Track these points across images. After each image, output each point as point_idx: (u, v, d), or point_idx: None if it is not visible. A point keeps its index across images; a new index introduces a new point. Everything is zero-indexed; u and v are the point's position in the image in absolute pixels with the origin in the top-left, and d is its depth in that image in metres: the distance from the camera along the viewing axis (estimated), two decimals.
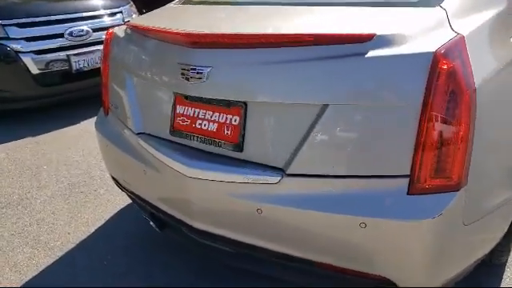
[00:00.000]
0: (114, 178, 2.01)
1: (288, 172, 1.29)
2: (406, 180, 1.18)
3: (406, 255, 1.20)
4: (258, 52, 1.30)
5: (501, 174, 1.40)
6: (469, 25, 1.28)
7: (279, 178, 1.30)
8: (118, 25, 4.43)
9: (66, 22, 4.06)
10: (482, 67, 1.22)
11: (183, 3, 2.06)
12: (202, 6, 1.89)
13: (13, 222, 2.50)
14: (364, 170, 1.22)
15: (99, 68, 4.21)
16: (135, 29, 1.69)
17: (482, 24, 1.33)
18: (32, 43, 3.87)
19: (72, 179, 2.99)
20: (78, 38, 4.09)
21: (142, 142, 1.65)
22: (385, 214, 1.19)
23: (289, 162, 1.29)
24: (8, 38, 3.80)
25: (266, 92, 1.31)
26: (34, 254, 2.21)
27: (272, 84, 1.29)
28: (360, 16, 1.38)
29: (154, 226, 1.85)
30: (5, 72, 3.85)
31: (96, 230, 2.40)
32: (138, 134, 1.68)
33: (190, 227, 1.56)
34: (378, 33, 1.19)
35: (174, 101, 1.55)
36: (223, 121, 1.42)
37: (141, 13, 4.95)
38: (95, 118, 4.05)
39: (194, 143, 1.51)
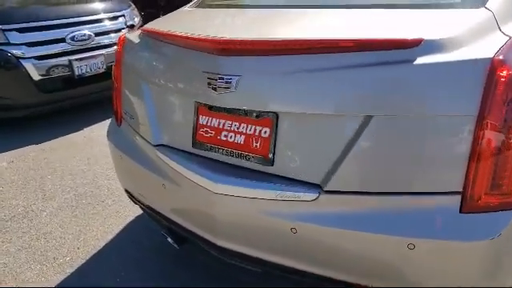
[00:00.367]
0: (127, 191, 1.91)
1: (326, 189, 1.19)
2: (458, 197, 1.08)
3: (458, 279, 1.11)
4: (291, 59, 1.20)
5: None
6: None
7: (316, 195, 1.20)
8: (121, 29, 4.34)
9: (68, 27, 3.95)
10: None
11: (198, 6, 1.96)
12: (220, 9, 1.79)
13: (19, 236, 2.39)
14: (412, 187, 1.12)
15: (102, 73, 4.18)
16: (152, 34, 1.59)
17: None
18: (33, 48, 3.76)
19: (78, 189, 2.88)
20: (80, 43, 3.99)
21: (160, 155, 1.55)
22: (435, 235, 1.10)
23: (327, 178, 1.19)
24: (8, 44, 3.69)
25: (300, 102, 1.21)
26: (43, 271, 2.10)
27: (307, 93, 1.19)
28: (400, 19, 1.28)
29: (171, 241, 1.75)
30: (5, 78, 3.73)
31: (106, 244, 2.29)
32: (156, 145, 1.58)
33: (214, 245, 1.46)
34: (426, 37, 1.09)
35: (197, 111, 1.45)
36: (251, 132, 1.32)
37: (141, 16, 4.84)
38: (99, 124, 3.92)
39: (219, 156, 1.41)
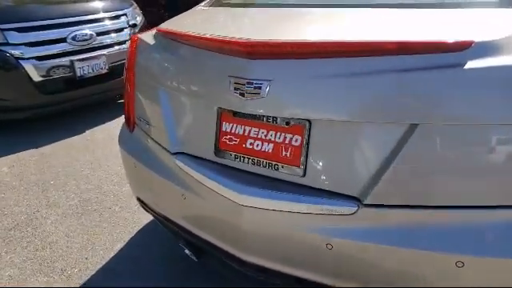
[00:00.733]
0: (140, 200, 1.82)
1: (366, 202, 1.10)
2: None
3: None
4: (329, 62, 1.11)
5: None
6: None
7: (355, 209, 1.11)
8: (123, 28, 4.25)
9: (69, 26, 3.85)
10: None
11: (213, 5, 1.87)
12: (237, 9, 1.70)
13: (23, 247, 2.29)
14: (460, 200, 1.04)
15: (104, 74, 4.07)
16: (169, 35, 1.50)
17: None
18: (33, 49, 3.66)
19: (83, 195, 2.79)
20: (82, 43, 3.88)
21: (180, 163, 1.46)
22: (487, 252, 1.01)
23: (367, 191, 1.10)
24: (7, 44, 3.58)
25: (336, 109, 1.12)
26: (51, 284, 2.01)
27: (345, 100, 1.11)
28: (440, 20, 1.20)
29: (189, 253, 1.66)
30: (5, 80, 3.63)
31: (116, 254, 2.20)
32: (175, 153, 1.49)
33: (238, 259, 1.38)
34: (476, 39, 1.01)
35: (219, 117, 1.36)
36: (281, 141, 1.24)
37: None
38: (101, 126, 3.82)
39: (245, 165, 1.32)
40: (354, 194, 1.13)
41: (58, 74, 3.77)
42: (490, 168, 1.01)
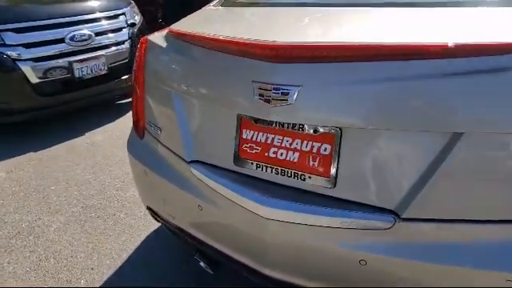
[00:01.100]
0: (150, 209, 1.74)
1: (404, 216, 1.03)
2: None
3: None
4: (364, 67, 1.04)
5: None
6: None
7: (391, 223, 1.04)
8: (122, 27, 4.15)
9: (67, 26, 3.74)
10: None
11: (224, 5, 1.79)
12: (251, 8, 1.62)
13: (26, 257, 2.20)
14: (508, 214, 0.97)
15: (104, 75, 3.96)
16: (184, 37, 1.41)
17: None
18: (30, 50, 3.54)
19: (86, 201, 2.70)
20: (81, 43, 3.77)
21: (196, 172, 1.38)
22: None
23: (404, 204, 1.03)
24: (4, 45, 3.46)
25: (371, 116, 1.05)
26: None
27: (381, 106, 1.03)
28: (477, 19, 1.13)
29: (204, 266, 1.58)
30: (1, 82, 3.52)
31: (123, 264, 2.11)
32: (190, 162, 1.41)
33: (260, 274, 1.30)
34: None
35: (239, 124, 1.28)
36: (308, 149, 1.16)
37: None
38: (101, 128, 3.71)
39: (268, 175, 1.25)
40: (390, 207, 1.06)
41: (57, 75, 3.66)
42: None
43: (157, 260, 2.11)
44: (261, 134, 1.25)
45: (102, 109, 4.27)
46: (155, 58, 1.57)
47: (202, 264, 1.58)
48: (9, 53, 3.47)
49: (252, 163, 1.27)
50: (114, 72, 3.99)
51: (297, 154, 1.18)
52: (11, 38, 3.50)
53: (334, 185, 1.13)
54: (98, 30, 3.93)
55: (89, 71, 3.81)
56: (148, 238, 2.31)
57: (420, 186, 1.01)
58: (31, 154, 3.41)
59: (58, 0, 4.09)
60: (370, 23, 1.24)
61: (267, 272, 1.28)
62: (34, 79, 3.57)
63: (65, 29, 3.72)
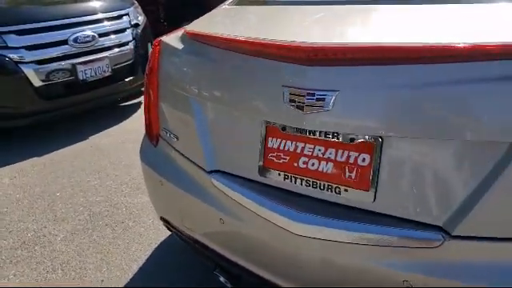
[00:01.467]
0: (164, 220, 1.64)
1: (455, 233, 0.94)
2: None
3: None
4: (409, 70, 0.94)
5: None
6: None
7: (440, 241, 0.95)
8: (126, 28, 4.06)
9: (70, 28, 3.65)
10: None
11: (239, 4, 1.69)
12: (272, 7, 1.53)
13: (32, 268, 2.11)
14: None
15: (108, 77, 3.86)
16: (203, 38, 1.32)
17: None
18: (33, 52, 3.46)
19: (92, 209, 2.60)
20: (84, 45, 3.68)
21: (217, 183, 1.29)
22: None
23: (455, 220, 0.94)
24: (6, 47, 3.38)
25: (417, 124, 0.95)
26: None
27: (428, 114, 0.94)
28: None
29: (224, 281, 1.49)
30: (3, 85, 3.44)
31: (134, 276, 2.02)
32: (211, 172, 1.32)
33: None
34: None
35: (265, 132, 1.19)
36: (343, 159, 1.07)
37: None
38: (106, 131, 3.61)
39: (297, 187, 1.15)
40: (438, 224, 0.96)
41: (60, 78, 3.57)
42: None
43: (170, 271, 2.02)
44: (289, 142, 1.16)
45: (105, 112, 4.18)
46: (171, 61, 1.48)
47: (221, 279, 1.49)
48: (11, 55, 3.39)
49: (279, 174, 1.18)
50: (117, 74, 3.90)
51: (330, 165, 1.09)
52: (13, 40, 3.41)
53: (374, 198, 1.04)
54: (102, 31, 3.84)
55: (92, 73, 3.72)
56: (159, 247, 2.22)
57: (474, 200, 0.91)
58: (35, 158, 3.32)
59: (60, 1, 3.99)
60: (410, 20, 1.14)
61: None
62: (36, 82, 3.48)
63: (68, 30, 3.64)
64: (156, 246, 2.23)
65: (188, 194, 1.39)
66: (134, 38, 4.06)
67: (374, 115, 0.99)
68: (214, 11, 1.68)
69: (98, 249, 2.23)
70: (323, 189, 1.11)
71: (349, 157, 1.06)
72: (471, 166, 0.93)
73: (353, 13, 1.29)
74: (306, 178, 1.13)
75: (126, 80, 3.99)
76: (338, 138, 1.07)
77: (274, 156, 1.19)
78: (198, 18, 1.61)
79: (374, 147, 1.02)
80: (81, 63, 3.64)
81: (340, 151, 1.07)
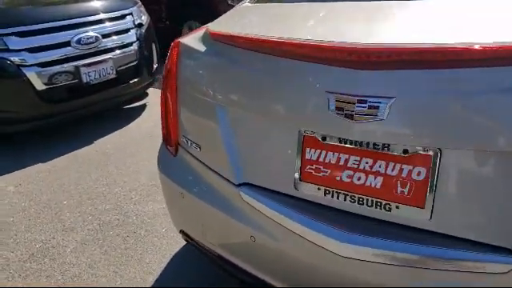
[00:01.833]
0: (184, 233, 1.54)
1: None
2: None
3: None
4: (477, 74, 0.84)
5: None
6: None
7: (510, 267, 0.85)
8: (129, 28, 3.93)
9: (73, 29, 3.51)
10: None
11: (260, 1, 1.58)
12: (299, 4, 1.41)
13: (42, 282, 2.00)
14: None
15: (112, 79, 3.75)
16: (229, 39, 1.21)
17: None
18: (35, 54, 3.33)
19: (102, 217, 2.50)
20: (87, 46, 3.56)
21: (246, 197, 1.19)
22: None
23: None
24: (7, 50, 3.25)
25: (483, 135, 0.85)
26: None
27: (497, 123, 0.84)
28: None
29: None
30: (5, 89, 3.31)
31: None
32: (239, 185, 1.21)
33: None
34: None
35: (302, 142, 1.09)
36: (395, 173, 0.96)
37: None
38: (111, 135, 3.49)
39: (339, 203, 1.05)
40: (507, 246, 0.86)
41: (63, 80, 3.44)
42: None
43: (188, 283, 1.91)
44: (330, 153, 1.05)
45: (109, 115, 4.06)
46: (191, 64, 1.37)
47: None
48: (12, 58, 3.26)
49: (319, 188, 1.08)
50: (122, 76, 3.78)
51: (380, 179, 0.98)
52: (14, 42, 3.28)
53: (430, 216, 0.93)
54: (105, 31, 3.72)
55: (96, 75, 3.60)
56: (174, 257, 2.12)
57: None
58: (40, 165, 3.20)
59: (62, 1, 3.87)
60: (458, 17, 1.03)
61: None
62: (39, 86, 3.35)
63: (70, 31, 3.51)
64: (171, 255, 2.13)
65: (212, 207, 1.29)
66: (138, 39, 3.94)
67: (434, 124, 0.88)
68: (233, 10, 1.57)
69: (110, 261, 2.12)
70: (371, 205, 1.00)
71: (401, 170, 0.96)
72: None
73: (386, 9, 1.18)
74: (350, 194, 1.03)
75: (131, 82, 3.88)
76: (388, 150, 0.96)
77: (312, 169, 1.08)
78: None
79: (431, 160, 0.91)
80: (84, 65, 3.51)
81: (391, 164, 0.97)
